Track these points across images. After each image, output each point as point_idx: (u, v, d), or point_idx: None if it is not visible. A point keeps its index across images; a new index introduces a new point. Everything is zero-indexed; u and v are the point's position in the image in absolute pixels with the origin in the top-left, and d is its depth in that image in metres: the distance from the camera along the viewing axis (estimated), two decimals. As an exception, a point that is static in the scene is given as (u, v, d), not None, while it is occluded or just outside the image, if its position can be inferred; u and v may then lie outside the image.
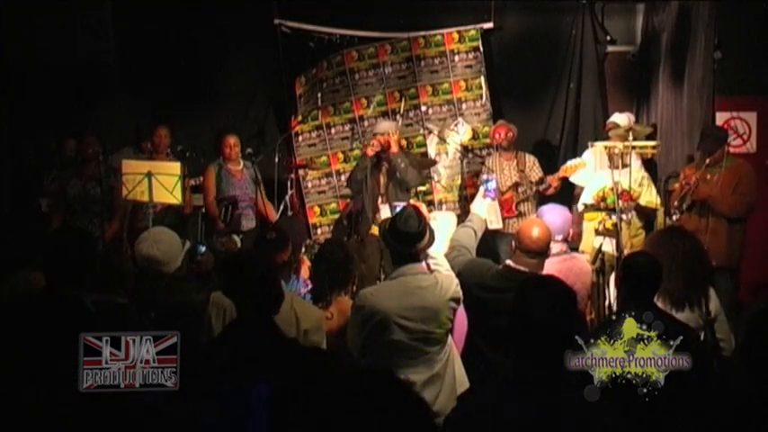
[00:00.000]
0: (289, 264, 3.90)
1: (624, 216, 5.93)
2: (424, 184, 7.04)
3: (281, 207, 6.95)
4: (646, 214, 6.36)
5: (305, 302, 3.95)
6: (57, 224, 6.22)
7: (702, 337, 3.90)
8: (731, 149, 6.77)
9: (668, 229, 4.48)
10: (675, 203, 5.98)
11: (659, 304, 3.76)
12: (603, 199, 6.12)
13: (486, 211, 4.35)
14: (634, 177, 6.12)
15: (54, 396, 2.80)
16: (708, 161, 5.88)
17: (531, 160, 7.13)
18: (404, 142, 7.55)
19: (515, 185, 6.96)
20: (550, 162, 7.45)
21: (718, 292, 4.14)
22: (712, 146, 5.92)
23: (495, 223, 4.62)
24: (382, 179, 6.48)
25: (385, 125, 6.77)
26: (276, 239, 3.91)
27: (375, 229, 6.32)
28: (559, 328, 2.31)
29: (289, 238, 3.98)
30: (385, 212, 6.39)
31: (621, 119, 6.95)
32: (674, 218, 6.00)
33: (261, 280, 3.05)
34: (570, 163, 6.73)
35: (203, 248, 5.77)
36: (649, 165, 7.00)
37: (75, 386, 2.72)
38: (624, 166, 6.17)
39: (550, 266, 3.98)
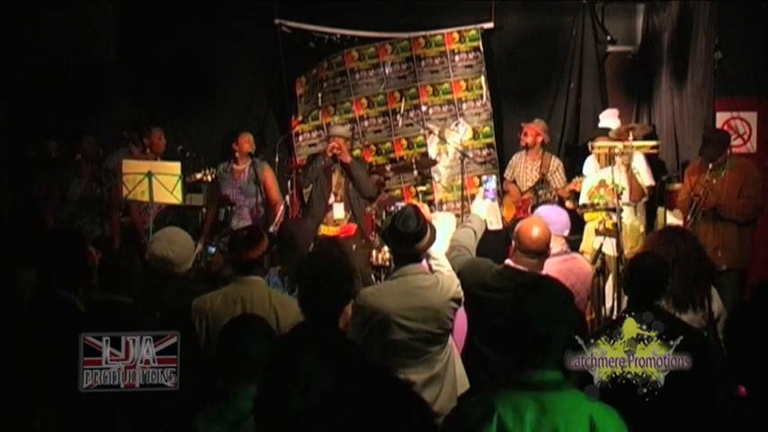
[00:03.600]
0: (260, 261, 3.88)
1: (624, 215, 5.93)
2: (376, 195, 7.14)
3: (282, 207, 6.94)
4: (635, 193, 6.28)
5: (283, 296, 3.92)
6: (51, 224, 6.22)
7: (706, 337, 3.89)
8: (733, 149, 6.76)
9: (668, 230, 4.44)
10: (688, 217, 5.90)
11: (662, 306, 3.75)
12: (591, 197, 6.14)
13: (485, 211, 4.34)
14: (620, 177, 6.09)
15: (41, 395, 2.79)
16: (711, 166, 5.82)
17: (555, 164, 7.08)
18: (373, 148, 7.59)
19: (533, 188, 6.92)
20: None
21: (727, 294, 4.11)
22: (715, 152, 5.84)
23: (496, 224, 4.61)
24: (335, 179, 6.59)
25: (341, 129, 6.96)
26: (246, 237, 3.91)
27: (324, 229, 6.39)
28: (555, 329, 2.30)
29: (261, 236, 3.97)
30: (338, 211, 6.53)
31: (612, 121, 6.95)
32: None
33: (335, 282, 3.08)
34: (577, 178, 6.78)
35: (213, 249, 5.81)
36: (653, 165, 6.98)
37: (65, 384, 2.72)
38: (612, 163, 6.16)
39: (550, 267, 3.97)
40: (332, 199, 6.60)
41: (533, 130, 7.12)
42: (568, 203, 6.62)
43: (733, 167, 5.82)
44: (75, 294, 3.22)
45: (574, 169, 7.31)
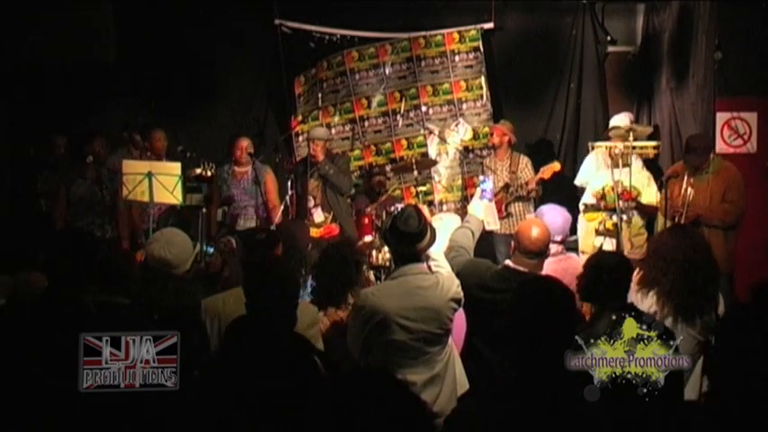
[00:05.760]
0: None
1: (624, 216, 5.93)
2: (353, 188, 7.27)
3: (282, 208, 6.94)
4: (647, 213, 6.34)
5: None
6: (60, 224, 6.21)
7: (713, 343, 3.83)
8: (730, 150, 6.76)
9: (675, 230, 4.33)
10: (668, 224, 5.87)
11: (670, 317, 3.71)
12: (603, 198, 6.12)
13: (483, 212, 4.34)
14: (636, 178, 6.11)
15: (54, 396, 2.80)
16: (687, 173, 5.81)
17: (524, 161, 7.13)
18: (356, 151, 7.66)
19: (505, 187, 6.97)
20: (550, 162, 7.44)
21: None
22: (699, 159, 5.84)
23: (493, 224, 4.61)
24: (311, 183, 6.73)
25: (320, 131, 6.99)
26: (265, 239, 3.92)
27: (311, 231, 6.45)
28: (557, 329, 2.31)
29: (278, 238, 3.99)
30: (318, 215, 6.69)
31: (621, 120, 6.94)
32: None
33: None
34: (545, 166, 6.83)
35: (212, 250, 5.79)
36: (652, 165, 6.98)
37: (76, 386, 2.72)
38: (625, 165, 6.16)
39: (547, 267, 3.97)
40: (311, 203, 6.73)
41: (499, 131, 7.20)
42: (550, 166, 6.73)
43: (716, 171, 5.82)
44: (86, 295, 3.21)
45: (574, 169, 7.32)
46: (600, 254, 3.87)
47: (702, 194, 5.77)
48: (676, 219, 5.77)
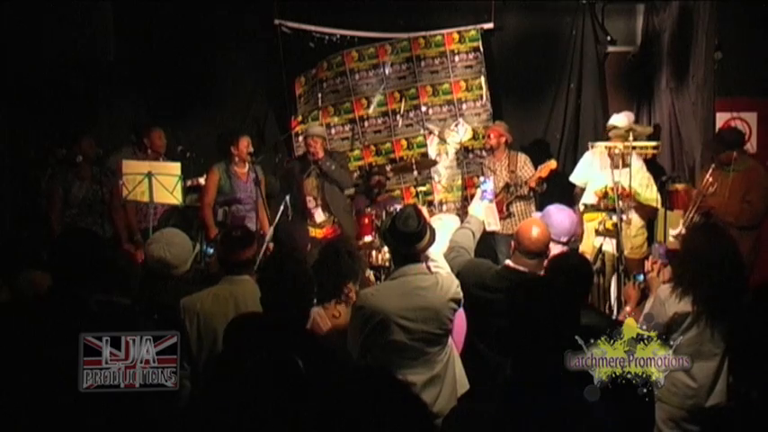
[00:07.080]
0: (252, 261, 3.92)
1: (624, 216, 5.92)
2: (353, 186, 7.29)
3: (281, 208, 6.94)
4: (646, 212, 6.33)
5: None
6: (55, 224, 6.20)
7: None
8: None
9: (707, 229, 4.15)
10: (684, 222, 5.83)
11: (706, 317, 3.67)
12: (605, 196, 6.12)
13: (483, 213, 4.33)
14: (635, 178, 6.10)
15: (55, 396, 2.80)
16: (713, 165, 5.77)
17: (522, 159, 7.12)
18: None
19: (506, 187, 6.97)
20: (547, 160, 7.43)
21: None
22: (717, 147, 5.82)
23: (494, 225, 4.61)
24: (309, 182, 6.73)
25: (318, 129, 7.02)
26: (240, 237, 3.94)
27: (312, 231, 6.44)
28: (558, 329, 2.31)
29: (254, 237, 4.01)
30: (318, 215, 6.67)
31: (620, 120, 6.93)
32: (675, 232, 5.85)
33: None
34: (542, 165, 6.85)
35: (211, 250, 5.80)
36: (653, 165, 6.98)
37: (76, 386, 2.72)
38: (625, 165, 6.16)
39: (548, 266, 3.96)
40: (312, 203, 6.71)
41: (496, 131, 7.19)
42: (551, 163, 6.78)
43: (741, 170, 5.76)
44: (89, 294, 3.21)
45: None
46: (561, 255, 3.85)
47: (722, 190, 5.72)
48: (689, 210, 5.74)
